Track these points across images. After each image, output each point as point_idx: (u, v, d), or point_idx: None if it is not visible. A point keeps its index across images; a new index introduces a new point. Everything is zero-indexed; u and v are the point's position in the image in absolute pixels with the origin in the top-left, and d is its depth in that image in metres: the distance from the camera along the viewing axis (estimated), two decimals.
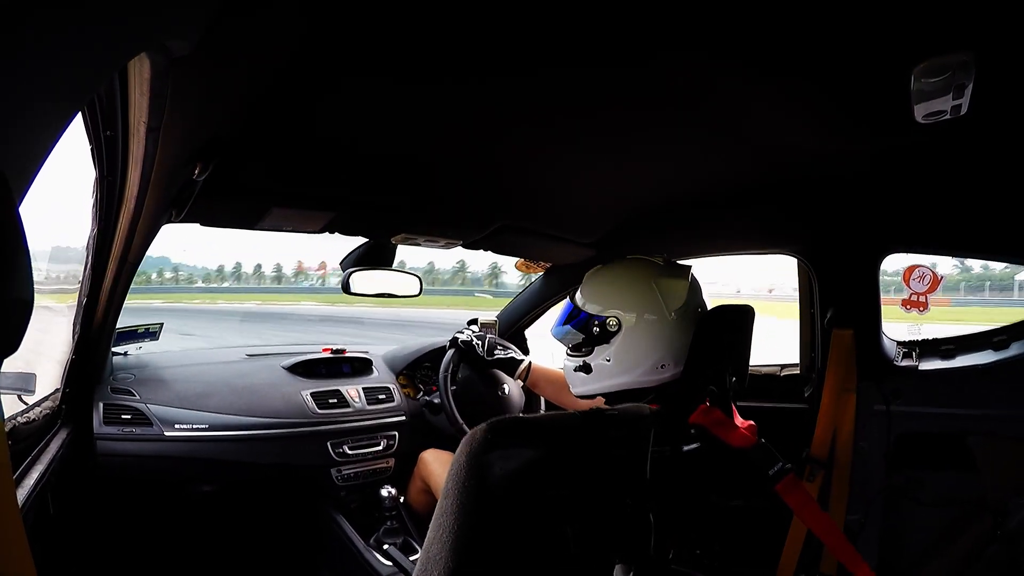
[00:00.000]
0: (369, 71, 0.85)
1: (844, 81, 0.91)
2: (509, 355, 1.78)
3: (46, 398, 1.34)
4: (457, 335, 1.83)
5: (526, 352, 2.16)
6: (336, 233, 1.48)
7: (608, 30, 0.78)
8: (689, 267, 1.33)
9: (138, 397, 1.57)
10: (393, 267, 1.76)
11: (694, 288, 1.28)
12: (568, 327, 1.33)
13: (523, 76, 0.90)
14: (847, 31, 0.77)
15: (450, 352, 1.82)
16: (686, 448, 1.21)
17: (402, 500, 1.79)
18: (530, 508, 0.84)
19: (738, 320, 1.33)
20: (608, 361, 1.29)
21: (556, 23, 0.76)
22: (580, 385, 1.35)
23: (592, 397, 1.36)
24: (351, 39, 0.75)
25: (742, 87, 0.96)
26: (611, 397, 1.34)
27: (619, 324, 1.27)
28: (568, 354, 1.36)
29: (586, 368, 1.32)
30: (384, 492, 1.75)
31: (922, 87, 0.85)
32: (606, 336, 1.28)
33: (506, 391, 1.76)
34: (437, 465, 1.71)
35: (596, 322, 1.29)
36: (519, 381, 1.83)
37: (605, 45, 0.82)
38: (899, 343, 1.62)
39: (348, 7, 0.68)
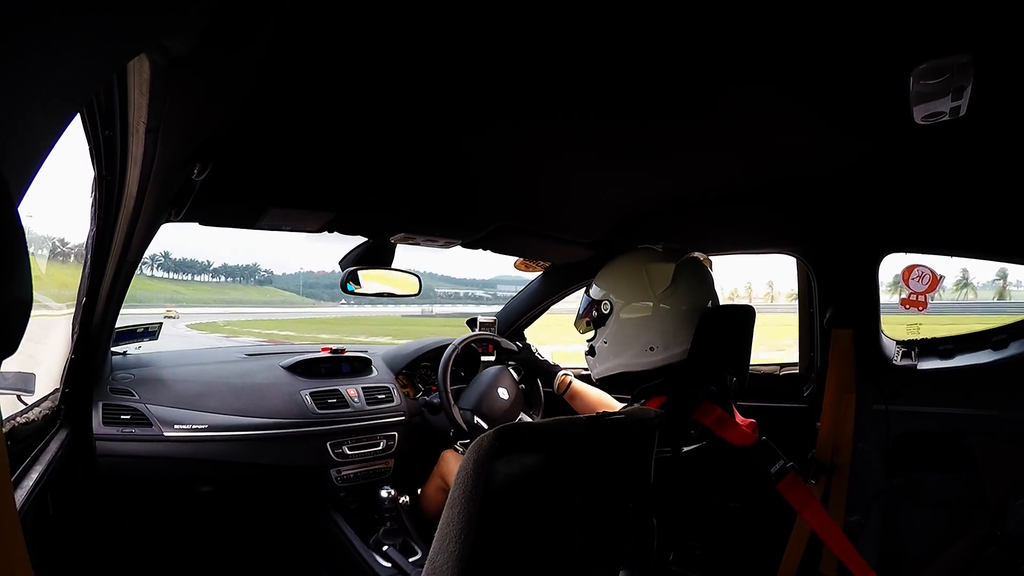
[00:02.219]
0: (368, 73, 0.84)
1: (843, 83, 0.91)
2: (554, 365, 1.78)
3: (45, 398, 1.33)
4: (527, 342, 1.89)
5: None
6: (335, 233, 1.48)
7: (607, 37, 0.78)
8: (680, 250, 1.35)
9: (137, 397, 1.57)
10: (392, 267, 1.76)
11: (685, 272, 1.29)
12: (581, 313, 1.42)
13: (523, 81, 0.90)
14: (847, 33, 0.77)
15: (509, 343, 1.92)
16: (686, 449, 1.22)
17: (402, 501, 1.78)
18: (535, 514, 0.84)
19: (738, 320, 1.33)
20: (606, 344, 1.36)
21: (556, 32, 0.76)
22: (591, 369, 1.43)
23: (606, 381, 1.41)
24: (350, 41, 0.75)
25: (741, 89, 0.95)
26: (613, 383, 1.39)
27: (611, 306, 1.33)
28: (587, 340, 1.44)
29: (591, 351, 1.40)
30: (383, 493, 1.74)
31: (921, 89, 0.86)
32: (603, 319, 1.35)
33: (504, 395, 1.76)
34: (457, 465, 1.69)
35: (596, 305, 1.37)
36: (521, 387, 1.84)
37: (604, 52, 0.82)
38: (898, 343, 1.62)
39: (346, 9, 0.69)
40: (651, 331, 1.28)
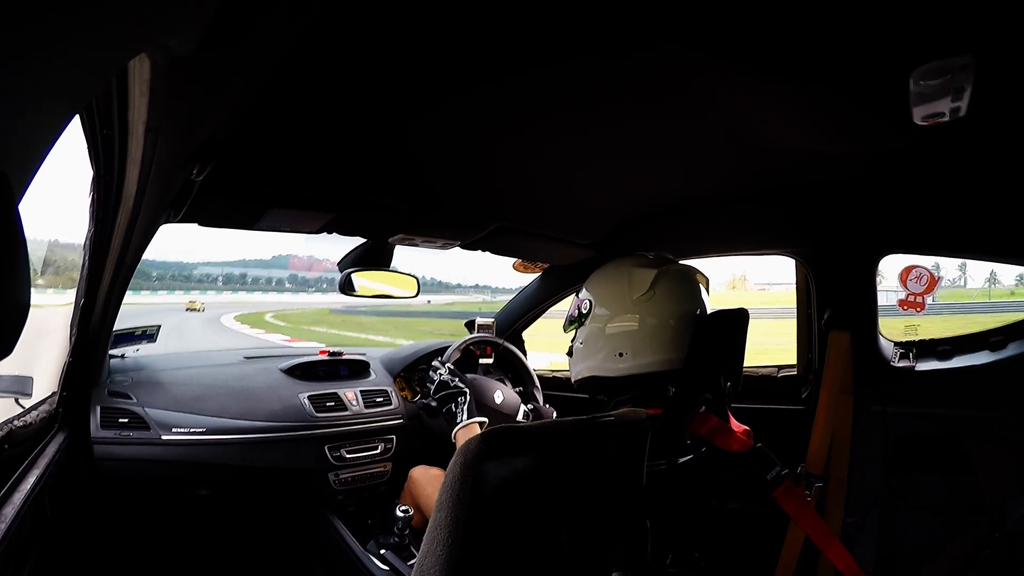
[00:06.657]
0: (367, 74, 0.84)
1: (843, 83, 0.92)
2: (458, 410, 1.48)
3: (43, 401, 1.32)
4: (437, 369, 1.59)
5: (524, 353, 2.16)
6: (334, 233, 1.47)
7: (607, 34, 0.78)
8: (670, 260, 1.34)
9: (135, 400, 1.56)
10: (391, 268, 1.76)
11: (665, 280, 1.28)
12: (568, 314, 1.42)
13: (522, 79, 0.90)
14: (847, 33, 0.77)
15: (509, 345, 1.94)
16: (682, 460, 1.22)
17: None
18: (525, 517, 0.84)
19: (732, 325, 1.33)
20: (581, 344, 1.35)
21: (554, 25, 0.76)
22: (571, 372, 1.42)
23: (582, 385, 1.40)
24: (350, 42, 0.75)
25: (741, 89, 0.96)
26: (588, 388, 1.37)
27: (591, 307, 1.34)
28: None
29: (570, 351, 1.40)
30: (399, 512, 1.64)
31: (921, 90, 0.86)
32: (582, 318, 1.35)
33: (500, 397, 1.75)
34: (425, 483, 1.65)
35: (578, 304, 1.37)
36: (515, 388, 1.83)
37: (603, 50, 0.82)
38: (896, 344, 1.62)
39: (346, 10, 0.68)
40: (623, 336, 1.28)
